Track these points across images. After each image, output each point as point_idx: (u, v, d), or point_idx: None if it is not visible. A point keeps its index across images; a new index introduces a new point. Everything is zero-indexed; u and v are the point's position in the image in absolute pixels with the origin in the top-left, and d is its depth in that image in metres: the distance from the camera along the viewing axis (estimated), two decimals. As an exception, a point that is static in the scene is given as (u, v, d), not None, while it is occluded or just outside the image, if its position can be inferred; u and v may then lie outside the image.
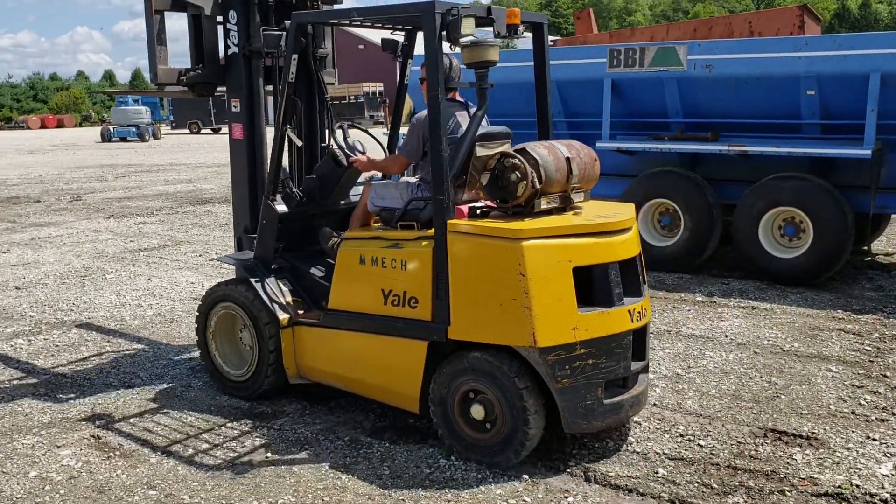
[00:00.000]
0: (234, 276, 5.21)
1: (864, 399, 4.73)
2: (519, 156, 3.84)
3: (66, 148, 32.06)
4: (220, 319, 4.91)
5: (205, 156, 26.78)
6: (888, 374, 5.13)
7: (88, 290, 7.80)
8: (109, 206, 14.00)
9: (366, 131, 5.18)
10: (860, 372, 5.17)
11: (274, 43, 4.68)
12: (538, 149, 3.92)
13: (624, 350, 3.86)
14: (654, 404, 4.70)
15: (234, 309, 4.77)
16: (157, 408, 4.79)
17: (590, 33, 15.20)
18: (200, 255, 9.41)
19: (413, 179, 4.46)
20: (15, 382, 5.27)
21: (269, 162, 4.78)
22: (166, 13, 5.06)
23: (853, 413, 4.53)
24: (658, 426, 4.40)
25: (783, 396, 4.79)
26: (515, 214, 3.90)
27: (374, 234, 4.32)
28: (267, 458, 4.10)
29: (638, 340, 3.98)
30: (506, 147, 4.17)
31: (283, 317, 4.58)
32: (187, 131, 45.90)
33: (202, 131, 45.30)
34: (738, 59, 7.73)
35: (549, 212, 3.97)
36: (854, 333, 5.98)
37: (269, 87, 5.17)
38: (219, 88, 5.32)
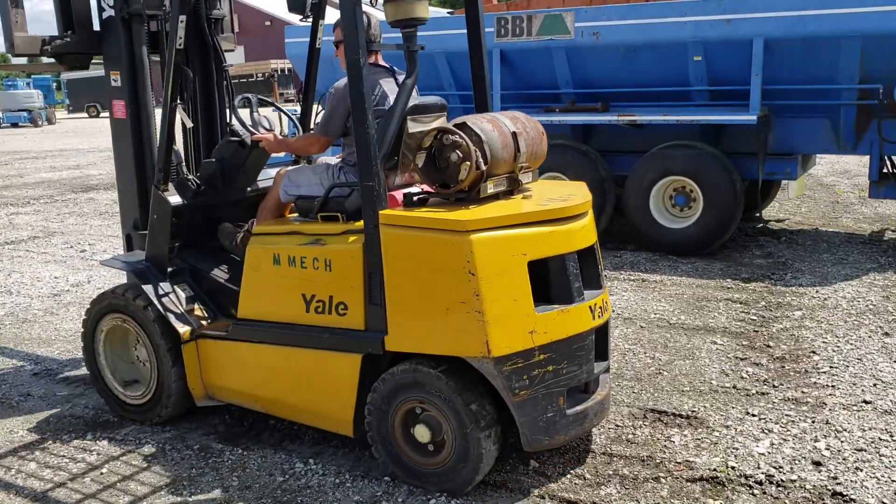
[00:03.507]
0: (126, 282, 4.39)
1: (746, 372, 4.59)
2: (460, 132, 3.26)
3: (-51, 135, 30.06)
4: (111, 333, 4.21)
5: (99, 140, 25.44)
6: (771, 343, 5.03)
7: (-63, 289, 7.10)
8: (-18, 197, 13.01)
9: (275, 105, 4.53)
10: (744, 343, 5.06)
11: (156, 3, 4.11)
12: (481, 122, 3.34)
13: (586, 352, 3.35)
14: (534, 389, 4.45)
15: (125, 321, 4.10)
16: (-13, 422, 4.28)
17: (489, 3, 14.90)
18: (72, 247, 8.74)
19: (333, 161, 3.90)
20: None
21: (157, 145, 4.09)
22: None
23: (734, 388, 4.38)
24: (535, 413, 4.15)
25: (665, 373, 4.62)
26: (458, 201, 3.34)
27: (290, 229, 3.68)
28: (101, 474, 3.67)
29: (600, 339, 3.50)
30: (442, 121, 3.68)
31: (183, 329, 3.91)
32: (85, 115, 43.80)
33: (102, 114, 43.27)
34: (625, 26, 7.53)
35: (495, 196, 3.41)
36: (741, 303, 5.89)
37: (156, 57, 4.46)
38: (95, 59, 4.58)
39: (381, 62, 3.84)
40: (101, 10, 4.30)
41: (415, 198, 3.41)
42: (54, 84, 48.37)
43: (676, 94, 7.69)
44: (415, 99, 3.58)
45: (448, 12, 13.92)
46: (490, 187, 3.35)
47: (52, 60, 4.36)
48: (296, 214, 3.91)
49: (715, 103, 7.52)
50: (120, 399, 4.22)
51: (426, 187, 3.57)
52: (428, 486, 3.37)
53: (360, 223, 3.38)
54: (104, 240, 9.08)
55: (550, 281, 3.32)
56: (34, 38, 4.27)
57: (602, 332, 3.53)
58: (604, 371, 3.58)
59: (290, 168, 4.12)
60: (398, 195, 3.45)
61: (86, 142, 25.15)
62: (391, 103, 3.55)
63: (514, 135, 3.42)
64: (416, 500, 3.33)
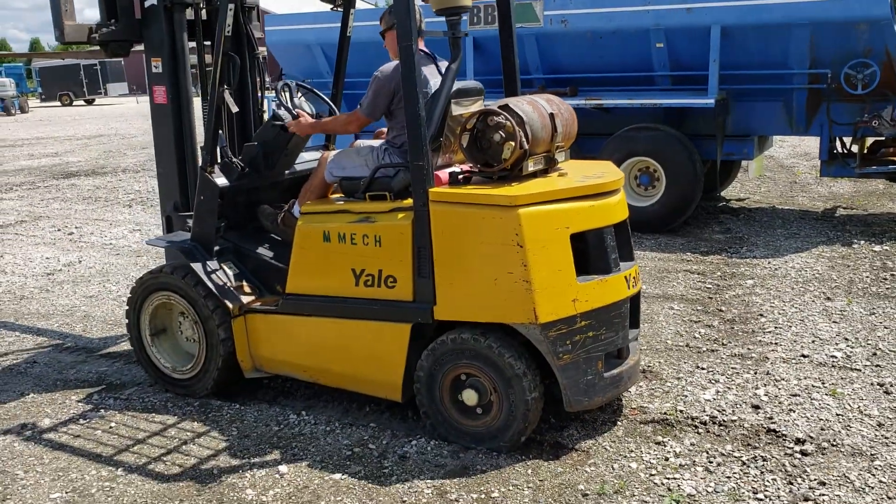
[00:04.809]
0: (167, 261, 4.68)
1: (699, 332, 5.03)
2: (504, 113, 3.47)
3: (-79, 124, 29.80)
4: (156, 311, 4.39)
5: (75, 128, 25.50)
6: (723, 308, 5.47)
7: (-68, 270, 7.36)
8: (-36, 184, 13.16)
9: (313, 90, 4.64)
10: (699, 308, 5.50)
11: None
12: (521, 104, 3.55)
13: (622, 319, 3.63)
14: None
15: (173, 299, 4.26)
16: (-2, 386, 4.61)
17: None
18: (59, 230, 9.00)
19: (376, 143, 4.09)
20: None
21: (202, 129, 4.27)
22: None
23: (687, 346, 4.81)
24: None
25: (626, 335, 5.04)
26: (500, 179, 3.57)
27: (339, 208, 3.87)
28: (111, 427, 4.02)
29: (633, 307, 3.80)
30: (480, 104, 3.92)
31: (232, 305, 4.08)
32: (58, 103, 43.50)
33: (74, 103, 43.03)
34: (591, 14, 7.94)
35: (533, 174, 3.64)
36: (698, 273, 6.33)
37: (191, 44, 4.66)
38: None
39: (424, 48, 3.98)
40: None
41: (459, 177, 3.62)
42: (25, 72, 47.92)
43: (640, 78, 8.12)
44: (456, 83, 3.77)
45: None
46: (531, 165, 3.58)
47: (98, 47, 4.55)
48: (339, 195, 4.13)
49: (676, 88, 7.96)
50: (165, 374, 4.39)
51: (465, 167, 3.78)
52: (477, 445, 3.59)
53: (408, 201, 3.62)
54: (90, 223, 9.35)
55: (589, 253, 3.58)
56: (82, 26, 4.46)
57: (634, 302, 3.82)
58: (634, 339, 3.88)
59: (334, 151, 4.31)
60: (442, 174, 3.67)
61: (61, 130, 25.15)
62: (431, 88, 3.76)
63: (552, 116, 3.64)
64: (398, 442, 3.72)
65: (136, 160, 15.55)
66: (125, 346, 5.17)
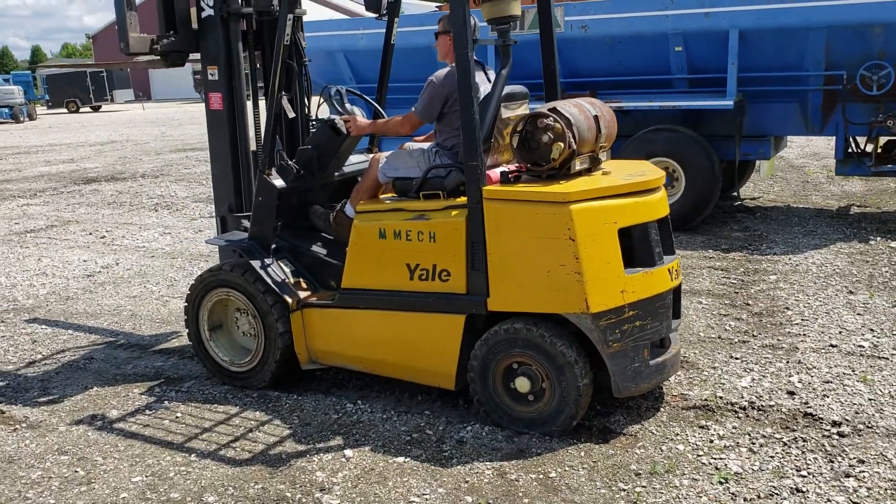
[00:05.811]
0: (221, 260, 4.93)
1: (729, 325, 5.23)
2: (553, 115, 3.69)
3: (-69, 132, 30.03)
4: (213, 308, 4.60)
5: (86, 135, 25.72)
6: (750, 302, 5.67)
7: (-26, 273, 7.57)
8: (-13, 190, 13.38)
9: (362, 96, 4.92)
10: (726, 302, 5.70)
11: (266, 3, 4.57)
12: (568, 107, 3.77)
13: (666, 310, 3.83)
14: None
15: (231, 295, 4.48)
16: (62, 381, 4.81)
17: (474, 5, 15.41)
18: (91, 234, 9.21)
19: (426, 146, 4.30)
20: None
21: (255, 134, 4.54)
22: None
23: (719, 338, 5.02)
24: (547, 361, 4.75)
25: (659, 328, 5.24)
26: (549, 178, 3.77)
27: (393, 206, 4.06)
28: (177, 417, 4.23)
29: (675, 299, 3.99)
30: (525, 107, 4.14)
31: (290, 300, 4.28)
32: (65, 110, 43.74)
33: (81, 110, 43.29)
34: (611, 19, 8.15)
35: (579, 173, 3.85)
36: (722, 269, 6.54)
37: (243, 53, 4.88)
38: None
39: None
40: (199, 10, 4.70)
41: (510, 176, 3.82)
42: (32, 80, 48.20)
43: (659, 81, 8.32)
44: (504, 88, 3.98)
45: (437, 6, 14.44)
46: (577, 164, 3.80)
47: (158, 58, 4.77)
48: (389, 194, 4.33)
49: (694, 90, 8.16)
50: (223, 367, 4.60)
51: (512, 167, 3.99)
52: (529, 430, 3.79)
53: (461, 199, 3.83)
54: (120, 227, 9.55)
55: (635, 246, 3.77)
56: (145, 38, 4.70)
57: (676, 293, 4.01)
58: (674, 329, 4.07)
59: (385, 153, 4.50)
60: (492, 174, 3.87)
61: (72, 136, 25.37)
62: (480, 94, 3.90)
63: (596, 118, 3.87)
64: (453, 428, 3.93)
65: (153, 166, 15.78)
66: (176, 342, 5.40)
